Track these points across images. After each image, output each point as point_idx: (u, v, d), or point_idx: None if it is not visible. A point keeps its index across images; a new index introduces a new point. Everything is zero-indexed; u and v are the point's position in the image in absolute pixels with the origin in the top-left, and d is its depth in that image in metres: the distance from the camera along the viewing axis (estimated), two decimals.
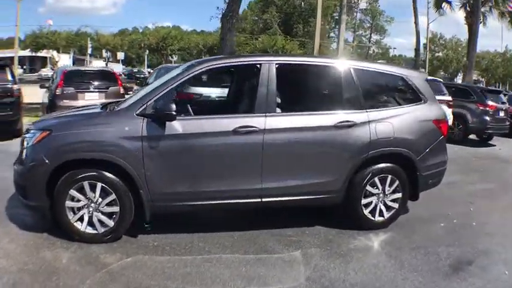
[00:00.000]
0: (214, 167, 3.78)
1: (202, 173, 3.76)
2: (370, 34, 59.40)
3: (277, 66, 3.94)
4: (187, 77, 3.88)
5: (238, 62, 4.46)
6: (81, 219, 3.68)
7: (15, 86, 7.91)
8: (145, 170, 3.59)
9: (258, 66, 3.97)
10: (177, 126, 3.62)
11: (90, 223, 3.67)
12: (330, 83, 4.37)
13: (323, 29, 33.15)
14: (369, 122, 4.08)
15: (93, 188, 3.64)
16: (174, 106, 3.50)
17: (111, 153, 3.58)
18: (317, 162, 4.01)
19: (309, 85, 4.44)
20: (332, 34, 47.42)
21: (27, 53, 43.80)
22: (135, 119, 3.61)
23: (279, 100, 4.00)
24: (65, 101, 8.77)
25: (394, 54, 62.50)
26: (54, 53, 45.10)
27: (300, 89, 4.38)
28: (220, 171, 3.81)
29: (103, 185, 3.63)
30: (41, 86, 10.95)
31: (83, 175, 3.61)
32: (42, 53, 44.86)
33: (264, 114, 3.82)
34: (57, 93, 9.17)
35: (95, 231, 3.68)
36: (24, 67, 49.33)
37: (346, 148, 4.03)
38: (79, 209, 3.69)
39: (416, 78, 4.50)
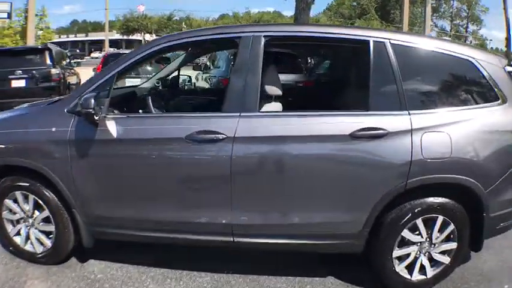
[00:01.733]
0: (163, 188, 2.81)
1: (146, 195, 2.82)
2: (467, 24, 56.36)
3: (265, 39, 2.74)
4: (135, 58, 2.89)
5: (207, 35, 3.02)
6: (20, 234, 3.16)
7: (54, 70, 7.66)
8: (75, 184, 2.82)
9: (236, 40, 2.80)
10: (111, 129, 2.71)
11: (29, 240, 3.14)
12: (349, 65, 3.03)
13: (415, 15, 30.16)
14: (412, 131, 2.59)
15: (27, 200, 3.05)
16: (92, 101, 2.58)
17: (37, 160, 2.88)
18: (321, 191, 2.70)
19: (313, 70, 3.13)
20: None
21: (117, 36, 46.95)
22: (65, 118, 2.83)
23: (264, 92, 2.88)
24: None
25: (491, 47, 54.42)
26: (147, 36, 47.09)
27: (299, 76, 2.94)
28: (171, 194, 2.81)
29: (35, 197, 2.99)
30: (94, 70, 11.09)
31: (14, 184, 3.02)
32: (135, 37, 47.35)
33: (236, 114, 2.66)
34: None
35: (33, 250, 3.14)
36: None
37: (372, 171, 2.63)
38: (18, 221, 3.15)
39: (492, 65, 2.78)
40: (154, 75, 4.55)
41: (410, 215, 2.66)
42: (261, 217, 2.71)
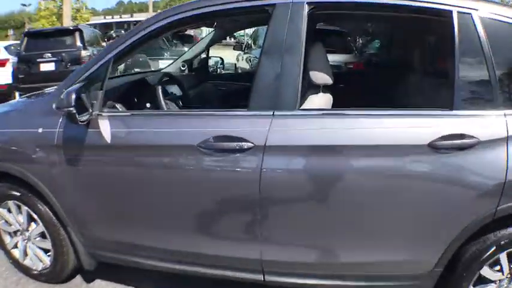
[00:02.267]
0: (170, 211, 2.20)
1: (151, 218, 2.23)
2: None
3: (310, 8, 2.00)
4: (135, 38, 2.21)
5: (225, 4, 2.14)
6: (17, 247, 2.73)
7: (85, 52, 7.29)
8: (68, 198, 2.31)
9: (268, 8, 2.04)
10: (105, 131, 2.12)
11: (28, 255, 2.71)
12: (423, 47, 2.61)
13: None
14: (508, 139, 1.83)
15: (20, 211, 2.59)
16: (73, 97, 1.98)
17: (23, 167, 2.37)
18: (382, 220, 1.99)
19: (365, 49, 2.55)
20: None
21: None
22: (53, 116, 2.28)
23: (308, 82, 2.21)
24: (136, 69, 7.77)
25: None
26: None
27: (347, 56, 2.28)
28: (182, 218, 2.20)
29: (28, 209, 2.51)
30: None
31: (6, 192, 2.55)
32: None
33: (268, 114, 1.96)
34: (128, 61, 8.25)
35: (32, 266, 2.71)
36: None
37: (454, 195, 1.88)
38: (15, 233, 2.72)
39: None
40: (180, 56, 3.91)
41: (494, 248, 1.96)
42: (299, 252, 2.06)
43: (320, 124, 1.93)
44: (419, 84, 2.69)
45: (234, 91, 3.75)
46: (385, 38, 5.09)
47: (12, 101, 3.26)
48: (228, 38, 20.58)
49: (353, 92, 2.65)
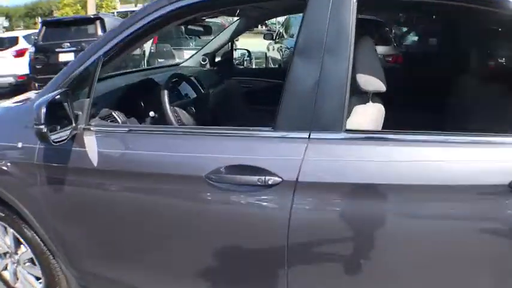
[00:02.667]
0: (169, 254, 1.76)
1: (148, 258, 1.81)
2: None
3: None
4: (128, 32, 1.72)
5: None
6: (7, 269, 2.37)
7: None
8: (51, 225, 1.92)
9: None
10: (91, 151, 1.69)
11: (19, 278, 2.36)
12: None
13: None
14: None
15: (7, 233, 2.24)
16: (43, 112, 1.52)
17: (3, 185, 1.99)
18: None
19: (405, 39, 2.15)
20: None
21: None
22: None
23: (356, 88, 1.67)
24: (159, 60, 7.31)
25: None
26: None
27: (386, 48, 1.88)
28: (182, 263, 1.75)
29: (14, 232, 2.15)
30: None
31: None
32: None
33: (303, 136, 1.45)
34: (151, 50, 7.78)
35: None
36: None
37: None
38: (5, 254, 2.37)
39: None
40: (199, 49, 3.43)
41: None
42: None
43: (374, 153, 1.41)
44: (489, 97, 2.11)
45: (262, 89, 3.26)
46: (444, 31, 4.41)
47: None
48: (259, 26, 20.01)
49: (399, 99, 2.11)
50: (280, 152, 1.44)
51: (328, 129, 1.42)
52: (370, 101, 1.71)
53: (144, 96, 2.25)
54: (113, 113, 1.97)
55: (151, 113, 2.06)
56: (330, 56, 1.43)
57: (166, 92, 2.01)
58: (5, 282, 2.38)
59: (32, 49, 7.88)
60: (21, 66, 7.92)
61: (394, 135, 1.42)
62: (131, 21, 1.70)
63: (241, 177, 1.44)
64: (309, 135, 1.41)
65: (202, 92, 2.83)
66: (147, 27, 1.69)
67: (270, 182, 1.40)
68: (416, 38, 6.34)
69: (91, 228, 1.84)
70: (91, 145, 1.64)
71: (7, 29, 23.27)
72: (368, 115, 1.67)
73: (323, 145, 1.41)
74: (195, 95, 2.36)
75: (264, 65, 10.61)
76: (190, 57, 3.44)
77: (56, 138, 1.58)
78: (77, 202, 1.80)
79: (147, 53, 8.73)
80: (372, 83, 1.65)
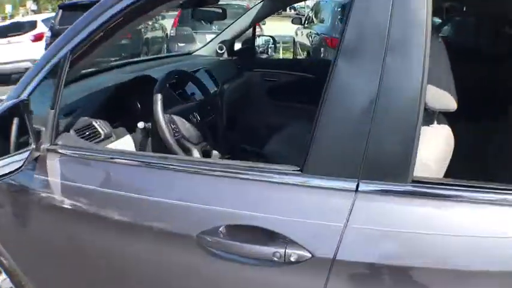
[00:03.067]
0: None
1: None
2: None
3: None
4: (105, 18, 1.22)
5: None
6: None
7: None
8: (21, 257, 1.53)
9: None
10: (53, 181, 1.25)
11: None
12: None
13: None
14: None
15: None
16: None
17: None
18: None
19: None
20: None
21: None
22: None
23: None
24: (180, 44, 6.79)
25: None
26: None
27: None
28: None
29: None
30: None
31: None
32: None
33: (349, 187, 0.91)
34: (171, 34, 7.23)
35: None
36: None
37: None
38: None
39: None
40: (216, 36, 2.92)
41: None
42: None
43: (463, 221, 0.88)
44: None
45: (290, 85, 2.73)
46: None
47: None
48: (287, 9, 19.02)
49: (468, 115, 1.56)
50: (311, 210, 0.93)
51: (387, 178, 0.89)
52: (436, 122, 1.16)
53: (138, 98, 1.77)
54: (94, 123, 1.51)
55: (141, 124, 1.57)
56: (394, 61, 0.89)
57: (159, 96, 1.50)
58: None
59: (48, 33, 7.49)
60: (39, 51, 7.59)
61: (499, 194, 0.88)
62: (106, 5, 1.20)
63: (248, 246, 0.94)
64: (357, 186, 0.89)
65: (216, 89, 2.32)
66: (128, 11, 1.19)
67: (292, 259, 0.90)
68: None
69: (58, 269, 1.40)
70: (54, 174, 1.19)
71: (35, 12, 23.15)
72: (436, 146, 1.13)
73: (379, 203, 0.90)
74: (202, 97, 1.86)
75: (291, 51, 9.99)
76: (205, 44, 2.93)
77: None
78: (39, 238, 1.36)
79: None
80: (442, 99, 1.10)
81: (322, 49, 6.85)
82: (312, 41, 7.71)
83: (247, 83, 2.80)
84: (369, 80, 0.89)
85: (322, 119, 0.92)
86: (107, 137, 1.55)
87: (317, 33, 7.47)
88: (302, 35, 9.19)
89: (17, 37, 8.46)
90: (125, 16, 1.24)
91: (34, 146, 1.21)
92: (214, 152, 1.70)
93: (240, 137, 2.30)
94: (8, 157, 1.18)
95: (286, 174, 0.95)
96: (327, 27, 6.94)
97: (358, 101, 0.90)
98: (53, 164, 1.23)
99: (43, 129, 1.23)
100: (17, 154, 1.20)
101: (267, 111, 2.76)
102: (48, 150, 1.24)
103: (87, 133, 1.50)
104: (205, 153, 1.68)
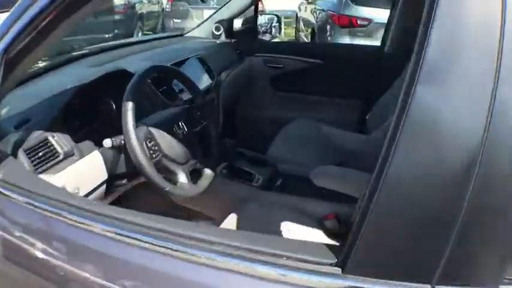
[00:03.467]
0: None
1: None
2: None
3: None
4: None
5: None
6: None
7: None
8: None
9: None
10: None
11: None
12: None
13: None
14: None
15: None
16: None
17: None
18: None
19: None
20: None
21: None
22: None
23: None
24: (175, 20, 6.37)
25: None
26: None
27: None
28: None
29: None
30: None
31: None
32: None
33: None
34: (166, 9, 6.75)
35: None
36: None
37: None
38: None
39: None
40: (213, 13, 2.51)
41: None
42: None
43: None
44: None
45: (297, 73, 2.34)
46: None
47: None
48: None
49: None
50: None
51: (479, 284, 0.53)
52: None
53: (111, 98, 1.38)
54: (50, 138, 1.13)
55: (107, 142, 1.17)
56: None
57: (130, 105, 1.09)
58: None
59: None
60: None
61: None
62: None
63: None
64: None
65: (211, 81, 1.93)
66: None
67: None
68: None
69: None
70: None
71: None
72: None
73: None
74: (192, 96, 1.46)
75: (294, 26, 9.47)
76: (199, 24, 2.51)
77: None
78: None
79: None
80: None
81: (328, 27, 6.36)
82: (317, 17, 7.20)
83: (247, 71, 2.41)
84: (469, 122, 0.51)
85: (383, 187, 0.54)
86: (68, 155, 1.18)
87: (322, 10, 6.95)
88: (306, 10, 8.64)
89: None
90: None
91: None
92: (207, 171, 1.33)
93: (238, 138, 1.93)
94: None
95: (318, 273, 0.57)
96: (334, 3, 6.41)
97: (451, 157, 0.51)
98: None
99: None
100: None
101: (271, 105, 2.37)
102: None
103: (41, 153, 1.12)
104: (195, 174, 1.31)
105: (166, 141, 1.21)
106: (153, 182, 1.11)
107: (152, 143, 1.17)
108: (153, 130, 1.19)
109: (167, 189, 1.13)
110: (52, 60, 1.79)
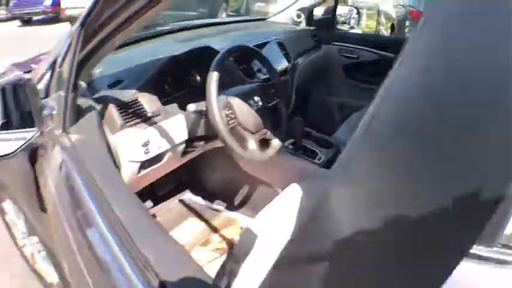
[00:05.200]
0: None
1: None
2: None
3: None
4: None
5: None
6: None
7: None
8: None
9: None
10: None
11: None
12: None
13: None
14: None
15: None
16: None
17: None
18: None
19: None
20: None
21: None
22: None
23: None
24: (259, 4, 6.24)
25: None
26: None
27: None
28: None
29: None
30: None
31: None
32: None
33: None
34: None
35: None
36: None
37: None
38: None
39: None
40: (296, 0, 2.54)
41: None
42: None
43: None
44: None
45: (369, 64, 2.33)
46: None
47: None
48: None
49: None
50: None
51: None
52: None
53: (197, 71, 1.50)
54: (140, 98, 1.27)
55: (191, 107, 1.30)
56: None
57: (215, 76, 1.21)
58: None
59: None
60: None
61: None
62: None
63: None
64: None
65: (288, 64, 1.99)
66: None
67: None
68: None
69: None
70: (53, 169, 0.96)
71: None
72: None
73: None
74: (269, 75, 1.55)
75: (375, 19, 9.14)
76: (282, 10, 2.57)
77: None
78: None
79: None
80: None
81: (407, 22, 6.10)
82: (397, 12, 6.92)
83: (323, 57, 2.44)
84: None
85: None
86: (155, 115, 1.32)
87: (402, 5, 6.67)
88: (388, 3, 8.32)
89: None
90: None
91: (38, 132, 0.99)
92: (274, 142, 1.41)
93: (307, 119, 1.99)
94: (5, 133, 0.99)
95: None
96: None
97: None
98: (57, 157, 1.01)
99: (54, 112, 1.00)
100: (18, 132, 0.99)
101: (341, 92, 2.39)
102: (56, 138, 1.02)
103: (131, 110, 1.27)
104: (263, 143, 1.40)
105: (242, 111, 1.31)
106: (227, 144, 1.21)
107: (230, 111, 1.28)
108: (232, 100, 1.29)
109: (238, 151, 1.23)
110: (139, 33, 1.95)
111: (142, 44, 1.73)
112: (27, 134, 0.95)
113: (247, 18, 2.92)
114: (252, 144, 1.33)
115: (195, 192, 1.99)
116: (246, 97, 1.34)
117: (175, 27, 2.04)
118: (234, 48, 1.32)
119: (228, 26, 2.23)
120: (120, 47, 1.62)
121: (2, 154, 0.96)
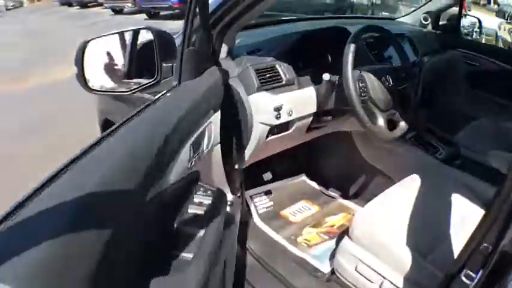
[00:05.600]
0: None
1: None
2: None
3: None
4: None
5: None
6: None
7: None
8: None
9: None
10: None
11: None
12: None
13: None
14: None
15: None
16: None
17: None
18: None
19: None
20: None
21: None
22: None
23: None
24: (383, 13, 6.11)
25: None
26: None
27: None
28: None
29: None
30: None
31: None
32: None
33: None
34: (375, 2, 6.52)
35: None
36: None
37: None
38: None
39: None
40: (422, 4, 2.52)
41: None
42: None
43: None
44: None
45: (492, 74, 2.22)
46: None
47: None
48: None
49: None
50: None
51: None
52: None
53: (330, 50, 1.54)
54: (277, 66, 1.35)
55: (326, 76, 1.35)
56: None
57: (352, 47, 1.26)
58: None
59: None
60: None
61: None
62: None
63: None
64: None
65: (416, 58, 1.97)
66: None
67: None
68: None
69: None
70: None
71: None
72: None
73: None
74: (401, 61, 1.54)
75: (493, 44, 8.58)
76: (410, 12, 2.55)
77: None
78: None
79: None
80: None
81: None
82: None
83: (447, 61, 2.39)
84: None
85: None
86: (289, 83, 1.38)
87: None
88: (504, 30, 7.74)
89: None
90: None
91: (157, 79, 1.02)
92: (401, 124, 1.40)
93: (429, 115, 1.94)
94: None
95: None
96: None
97: None
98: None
99: (174, 64, 1.06)
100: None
101: (463, 96, 2.30)
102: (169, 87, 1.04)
103: (268, 75, 1.35)
104: (391, 123, 1.40)
105: (374, 87, 1.32)
106: (357, 114, 1.23)
107: (363, 84, 1.30)
108: (365, 75, 1.32)
109: (368, 125, 1.25)
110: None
111: (277, 25, 1.83)
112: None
113: (377, 16, 2.92)
114: (381, 121, 1.34)
115: (311, 177, 2.03)
116: (379, 74, 1.35)
117: (304, 17, 2.12)
118: (372, 26, 1.34)
119: (358, 20, 2.26)
120: (255, 27, 1.72)
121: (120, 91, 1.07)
